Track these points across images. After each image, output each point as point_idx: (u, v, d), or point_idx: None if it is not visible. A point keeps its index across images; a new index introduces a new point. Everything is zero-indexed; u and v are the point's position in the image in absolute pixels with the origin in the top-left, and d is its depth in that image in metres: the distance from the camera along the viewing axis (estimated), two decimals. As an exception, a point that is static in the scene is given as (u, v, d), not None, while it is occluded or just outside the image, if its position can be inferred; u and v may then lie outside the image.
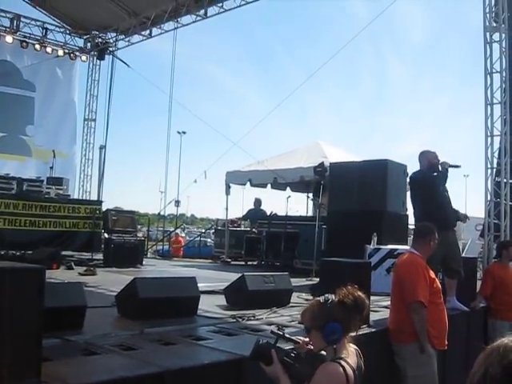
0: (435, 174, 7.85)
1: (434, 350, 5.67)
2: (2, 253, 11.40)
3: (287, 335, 3.08)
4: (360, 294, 2.99)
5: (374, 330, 5.96)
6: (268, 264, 14.32)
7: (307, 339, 3.01)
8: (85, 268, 10.70)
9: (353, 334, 3.01)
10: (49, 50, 18.58)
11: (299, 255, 13.58)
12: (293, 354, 2.97)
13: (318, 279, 6.51)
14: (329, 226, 12.53)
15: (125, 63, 18.71)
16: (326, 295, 3.03)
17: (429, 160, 7.89)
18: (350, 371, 2.79)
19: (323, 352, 2.90)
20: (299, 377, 2.86)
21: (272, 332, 3.11)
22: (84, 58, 19.74)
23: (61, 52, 18.89)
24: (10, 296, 3.25)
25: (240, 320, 6.00)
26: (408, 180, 8.29)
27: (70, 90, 19.36)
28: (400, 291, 5.78)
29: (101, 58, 19.59)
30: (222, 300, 7.18)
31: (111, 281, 8.91)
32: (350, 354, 2.91)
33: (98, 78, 20.04)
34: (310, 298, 6.82)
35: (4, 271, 3.39)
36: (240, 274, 7.25)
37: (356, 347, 3.04)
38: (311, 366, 2.82)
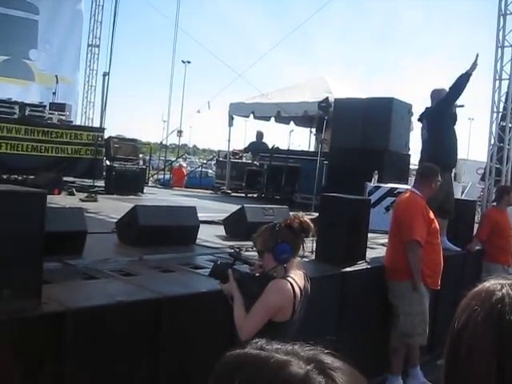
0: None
1: (427, 289, 5.76)
2: (4, 177, 11.44)
3: (243, 257, 3.55)
4: (306, 218, 3.36)
5: (370, 266, 6.05)
6: (268, 197, 14.39)
7: (260, 262, 3.39)
8: (86, 194, 10.77)
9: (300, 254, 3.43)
10: (53, -30, 18.19)
11: (299, 190, 13.64)
12: (247, 274, 3.39)
13: (317, 214, 6.55)
14: (330, 162, 12.56)
15: (130, -12, 18.36)
16: (275, 221, 3.44)
17: (442, 97, 7.75)
18: (297, 289, 3.16)
19: (274, 273, 3.25)
20: (251, 294, 3.20)
21: (230, 254, 3.64)
22: (89, -20, 19.36)
23: (66, -27, 18.50)
24: (12, 219, 3.28)
25: (238, 250, 6.07)
26: (420, 116, 8.15)
27: (74, 14, 18.98)
28: (398, 229, 5.84)
29: (106, -19, 19.19)
30: (221, 230, 7.25)
31: (112, 208, 8.96)
32: (298, 276, 3.26)
33: (102, 3, 19.67)
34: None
35: (6, 194, 3.42)
36: (240, 206, 7.31)
37: (304, 271, 3.43)
38: (262, 285, 3.17)
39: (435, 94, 7.87)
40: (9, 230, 3.25)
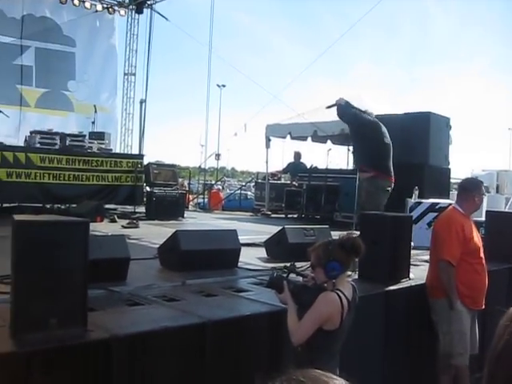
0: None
1: (468, 310, 5.62)
2: (48, 207, 11.67)
3: (297, 270, 3.87)
4: (358, 239, 3.60)
5: (413, 284, 5.97)
6: (308, 217, 14.34)
7: (313, 274, 3.63)
8: (128, 221, 10.88)
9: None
10: (87, 5, 18.52)
11: (339, 208, 13.56)
12: (300, 285, 3.68)
13: (358, 232, 6.50)
14: (369, 180, 12.46)
15: (163, 16, 18.66)
16: (330, 239, 3.84)
17: None
18: (344, 300, 3.41)
19: (325, 285, 3.52)
20: (304, 303, 3.47)
21: (285, 267, 3.90)
22: (122, 12, 19.66)
23: (99, 7, 18.83)
24: (57, 249, 3.34)
25: (293, 263, 6.07)
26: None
27: (110, 44, 19.35)
28: (435, 246, 5.75)
29: (139, 11, 19.48)
30: (262, 252, 7.24)
31: (153, 233, 9.04)
32: (347, 288, 3.51)
33: (137, 32, 19.95)
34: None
35: (50, 224, 3.48)
36: (280, 227, 7.29)
37: (353, 283, 3.71)
38: (314, 296, 3.42)
39: None
40: (54, 260, 3.31)
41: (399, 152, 11.42)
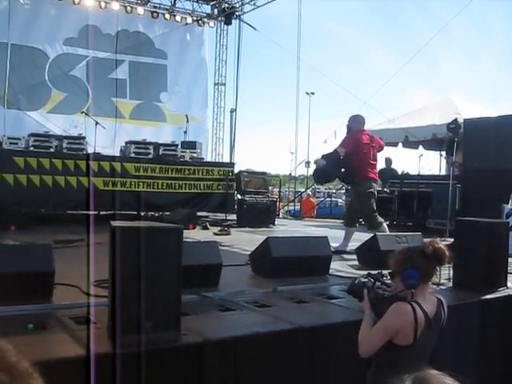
0: None
1: None
2: (142, 214, 12.01)
3: (380, 279, 3.54)
4: (441, 245, 3.19)
5: (511, 293, 5.76)
6: (400, 224, 14.10)
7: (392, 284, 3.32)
8: (219, 228, 11.04)
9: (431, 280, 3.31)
10: (178, 18, 19.00)
11: (432, 215, 13.25)
12: (380, 295, 3.38)
13: (452, 239, 6.34)
14: (463, 185, 12.15)
15: (251, 27, 18.88)
16: (410, 245, 3.48)
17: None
18: (420, 314, 3.05)
19: (402, 295, 3.16)
20: (380, 315, 3.19)
21: (368, 274, 3.59)
22: (212, 24, 20.02)
23: (189, 19, 19.26)
24: (152, 254, 3.43)
25: (380, 272, 6.00)
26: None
27: (200, 56, 19.74)
28: None
29: (228, 23, 19.82)
30: (353, 260, 7.18)
31: (244, 240, 9.13)
32: (428, 303, 3.14)
33: (226, 42, 20.29)
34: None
35: (146, 230, 3.58)
36: (372, 234, 7.22)
37: (440, 298, 3.28)
38: (389, 306, 3.14)
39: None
40: (149, 265, 3.40)
41: (494, 156, 11.12)
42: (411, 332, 3.05)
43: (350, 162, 8.66)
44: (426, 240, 3.33)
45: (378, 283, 3.54)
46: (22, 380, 0.62)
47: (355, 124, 8.97)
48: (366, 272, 6.19)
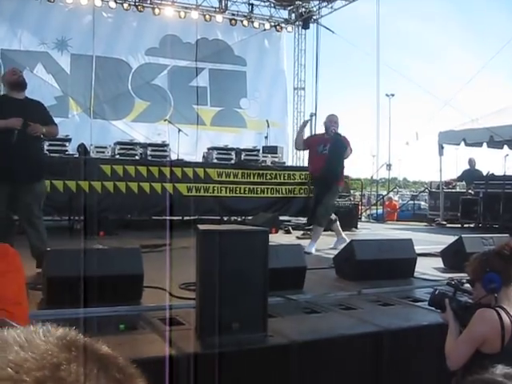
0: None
1: None
2: (225, 219, 12.17)
3: (461, 287, 3.43)
4: None
5: None
6: (486, 226, 13.73)
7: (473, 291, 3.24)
8: (302, 232, 11.07)
9: None
10: (256, 24, 19.12)
11: (520, 217, 12.88)
12: (463, 304, 3.29)
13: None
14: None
15: (329, 30, 18.78)
16: (485, 250, 3.38)
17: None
18: (506, 319, 2.95)
19: (486, 301, 3.07)
20: (465, 324, 3.09)
21: (448, 283, 3.52)
22: (289, 28, 20.02)
23: (267, 25, 19.35)
24: (240, 257, 3.50)
25: (459, 279, 5.89)
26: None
27: (278, 61, 19.81)
28: None
29: (306, 27, 19.77)
30: (439, 262, 7.06)
31: (328, 244, 9.13)
32: None
33: (304, 47, 20.25)
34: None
35: (233, 233, 3.65)
36: (457, 237, 7.09)
37: None
38: (472, 314, 3.04)
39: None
40: (236, 267, 3.47)
41: None
42: (498, 339, 2.96)
43: (342, 162, 9.11)
44: (498, 240, 3.27)
45: (458, 292, 3.45)
46: (132, 379, 0.67)
47: (334, 124, 9.09)
48: (451, 275, 6.11)
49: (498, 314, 2.96)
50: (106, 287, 4.20)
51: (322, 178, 8.95)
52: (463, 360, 2.99)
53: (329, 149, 8.88)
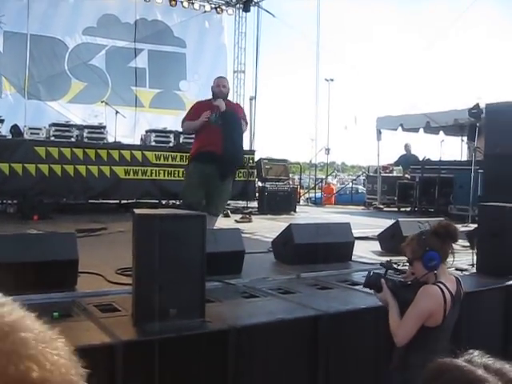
0: None
1: None
2: (163, 202, 12.06)
3: (394, 267, 3.73)
4: (451, 224, 3.45)
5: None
6: (421, 210, 14.02)
7: (412, 270, 3.43)
8: (241, 215, 11.07)
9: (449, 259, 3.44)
10: (196, 6, 18.89)
11: (454, 201, 13.16)
12: (399, 283, 3.51)
13: (474, 225, 6.28)
14: (486, 171, 12.01)
15: (270, 13, 18.77)
16: (422, 230, 3.60)
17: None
18: (447, 294, 3.21)
19: (425, 279, 3.31)
20: (405, 301, 3.28)
21: (381, 264, 3.74)
22: (230, 11, 19.88)
23: (208, 7, 19.14)
24: (176, 241, 3.43)
25: (389, 260, 5.98)
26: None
27: (218, 43, 19.65)
28: None
29: (246, 10, 19.67)
30: (376, 246, 7.15)
31: (266, 227, 9.14)
32: (449, 281, 3.31)
33: (244, 30, 20.15)
34: (467, 244, 6.63)
35: (170, 217, 3.58)
36: (394, 221, 7.18)
37: (457, 276, 3.53)
38: (415, 291, 3.25)
39: None
40: (173, 252, 3.40)
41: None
42: (441, 312, 3.19)
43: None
44: (433, 222, 3.58)
45: (390, 271, 3.61)
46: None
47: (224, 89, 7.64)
48: (388, 258, 6.19)
49: (441, 289, 3.20)
50: (40, 273, 4.08)
51: (224, 160, 7.15)
52: (410, 335, 3.18)
53: (222, 124, 7.20)
